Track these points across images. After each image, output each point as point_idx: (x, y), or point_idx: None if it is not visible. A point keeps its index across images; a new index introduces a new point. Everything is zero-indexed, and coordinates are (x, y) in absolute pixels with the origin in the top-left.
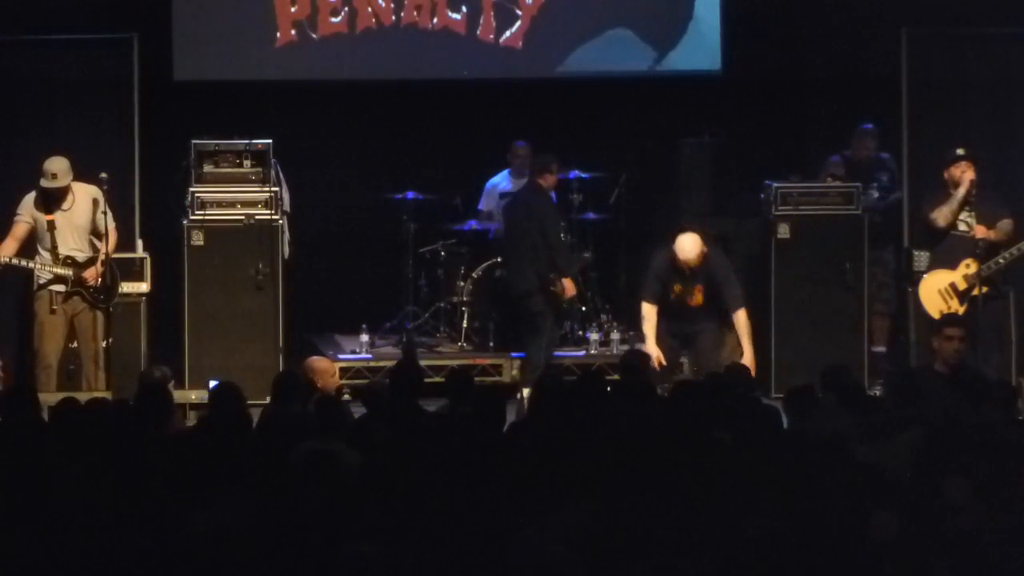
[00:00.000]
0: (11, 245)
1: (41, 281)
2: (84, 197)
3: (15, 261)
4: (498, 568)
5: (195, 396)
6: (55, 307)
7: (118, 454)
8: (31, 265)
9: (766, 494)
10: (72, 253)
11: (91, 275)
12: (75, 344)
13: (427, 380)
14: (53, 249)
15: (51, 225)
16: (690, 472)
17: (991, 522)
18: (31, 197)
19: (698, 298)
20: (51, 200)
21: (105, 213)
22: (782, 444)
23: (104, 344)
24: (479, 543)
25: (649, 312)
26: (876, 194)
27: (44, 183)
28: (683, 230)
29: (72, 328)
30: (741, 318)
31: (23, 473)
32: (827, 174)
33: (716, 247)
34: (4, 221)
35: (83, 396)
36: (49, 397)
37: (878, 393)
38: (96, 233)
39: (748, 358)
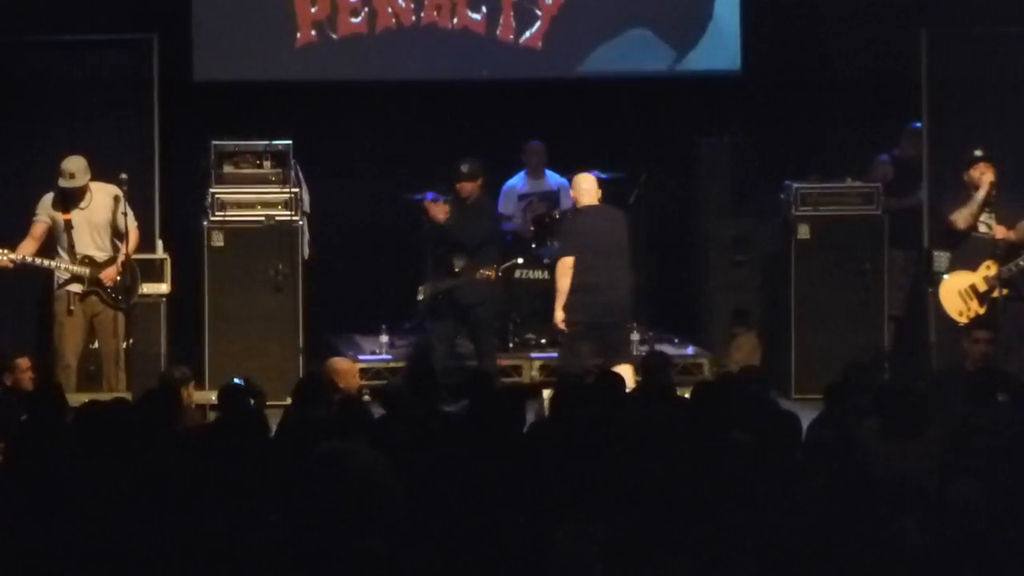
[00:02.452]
0: (30, 244)
1: (60, 281)
2: (103, 196)
3: (33, 260)
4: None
5: (215, 397)
6: (72, 307)
7: (124, 455)
8: (49, 264)
9: (785, 500)
10: (91, 253)
11: (108, 275)
12: (95, 344)
13: (446, 381)
14: (71, 249)
15: (68, 225)
16: (710, 476)
17: (1006, 523)
18: (49, 197)
19: None
20: (69, 200)
21: (125, 214)
22: (800, 451)
23: (124, 345)
24: (500, 544)
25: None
26: (924, 194)
27: (62, 183)
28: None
29: (92, 328)
30: None
31: (45, 472)
32: (877, 175)
33: None
34: (27, 220)
35: (103, 396)
36: (70, 397)
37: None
38: (117, 233)
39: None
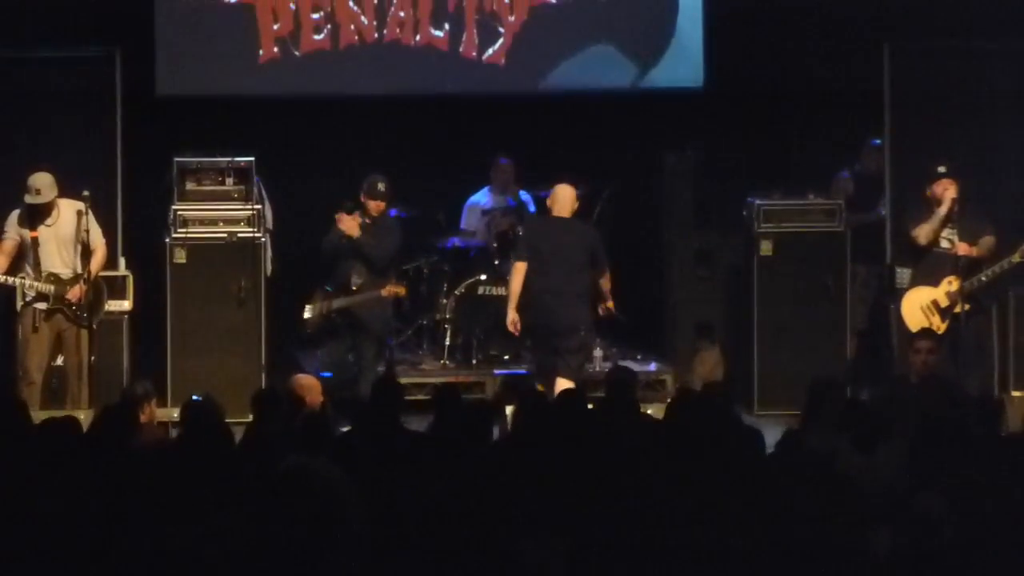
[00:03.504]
0: (1, 262)
1: (26, 299)
2: (69, 212)
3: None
4: None
5: (177, 413)
6: (38, 324)
7: (79, 473)
8: (14, 282)
9: (751, 515)
10: (56, 270)
11: (75, 294)
12: (60, 361)
13: (410, 397)
14: (37, 266)
15: (35, 242)
16: (676, 491)
17: (971, 535)
18: (16, 214)
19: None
20: (35, 216)
21: (87, 230)
22: (766, 465)
23: (88, 361)
24: (465, 558)
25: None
26: (883, 211)
27: (28, 199)
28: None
29: (57, 344)
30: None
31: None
32: (839, 190)
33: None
34: None
35: (65, 413)
36: (34, 414)
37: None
38: (85, 248)
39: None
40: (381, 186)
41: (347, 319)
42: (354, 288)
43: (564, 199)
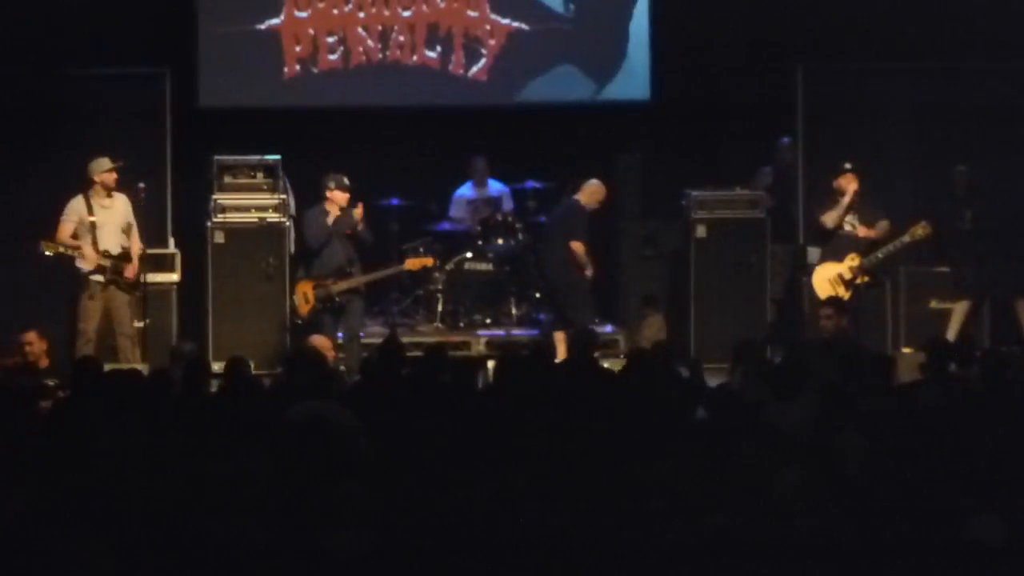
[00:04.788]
0: (63, 235)
1: (84, 271)
2: (122, 201)
3: (64, 250)
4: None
5: (217, 367)
6: (94, 294)
7: (159, 414)
8: (76, 253)
9: (687, 446)
10: (110, 248)
11: (131, 271)
12: (113, 325)
13: (408, 354)
14: (94, 244)
15: (93, 225)
16: (629, 430)
17: (880, 474)
18: (78, 200)
19: None
20: (99, 195)
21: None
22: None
23: (140, 325)
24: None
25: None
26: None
27: (101, 173)
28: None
29: (110, 311)
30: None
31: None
32: (760, 183)
33: None
34: (56, 223)
35: (121, 367)
36: None
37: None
38: (128, 232)
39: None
40: (346, 181)
41: (347, 295)
42: (350, 271)
43: (585, 189)
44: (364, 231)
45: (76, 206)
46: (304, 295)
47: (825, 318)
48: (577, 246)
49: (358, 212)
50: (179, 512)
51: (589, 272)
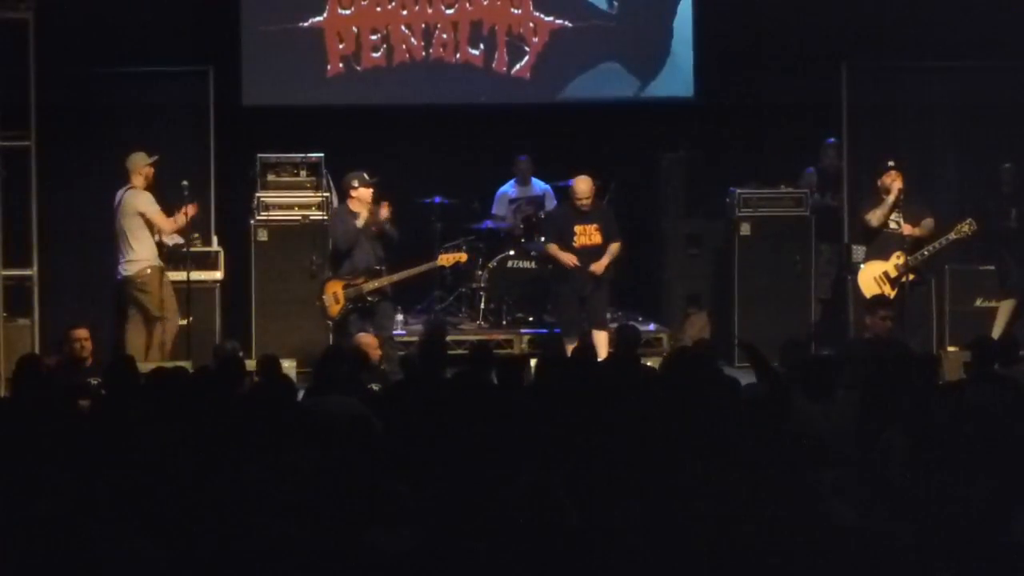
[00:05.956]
0: (170, 221)
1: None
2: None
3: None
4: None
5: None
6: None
7: (199, 412)
8: (182, 221)
9: (727, 448)
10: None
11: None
12: (160, 321)
13: (450, 352)
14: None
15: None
16: (671, 428)
17: (925, 473)
18: (140, 191)
19: (596, 237)
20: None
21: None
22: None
23: (184, 322)
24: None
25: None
26: (845, 198)
27: (143, 167)
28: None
29: (164, 301)
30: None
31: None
32: (805, 182)
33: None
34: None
35: (168, 365)
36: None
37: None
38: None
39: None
40: (368, 177)
41: (377, 294)
42: (381, 270)
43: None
44: (391, 229)
45: (148, 196)
46: (334, 295)
47: (881, 319)
48: (548, 249)
49: (384, 210)
50: (216, 511)
51: (570, 261)
